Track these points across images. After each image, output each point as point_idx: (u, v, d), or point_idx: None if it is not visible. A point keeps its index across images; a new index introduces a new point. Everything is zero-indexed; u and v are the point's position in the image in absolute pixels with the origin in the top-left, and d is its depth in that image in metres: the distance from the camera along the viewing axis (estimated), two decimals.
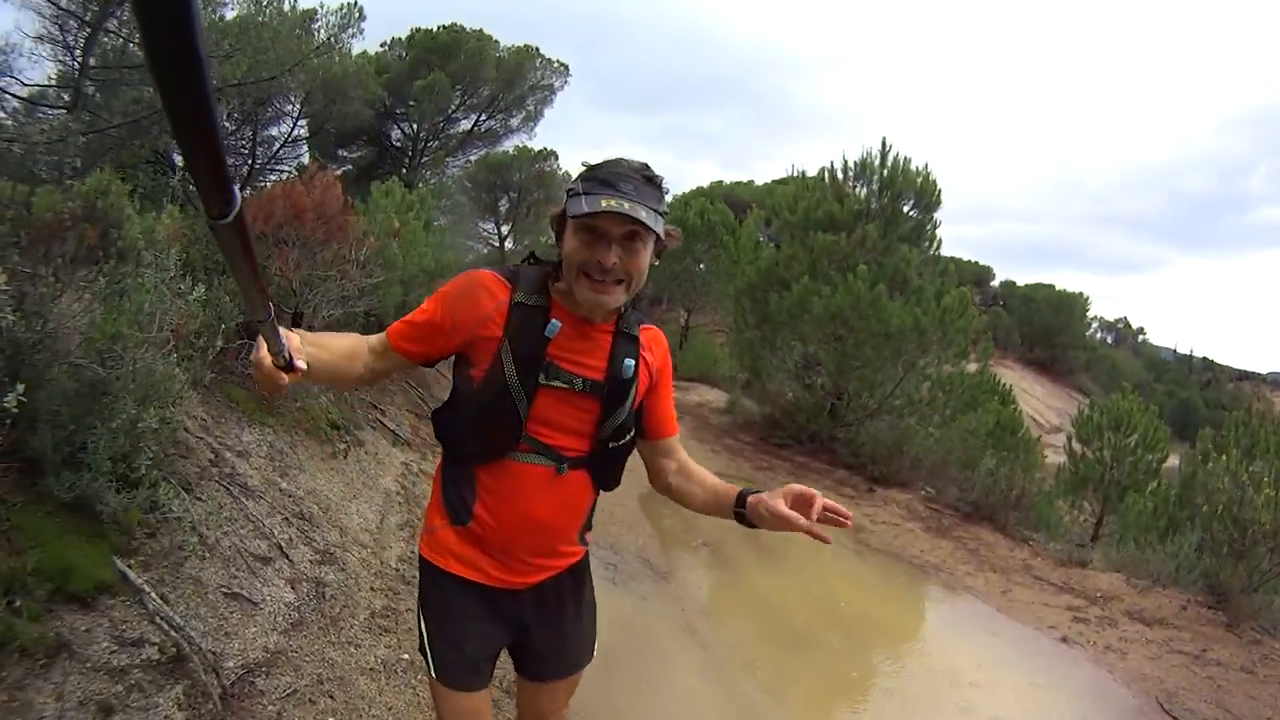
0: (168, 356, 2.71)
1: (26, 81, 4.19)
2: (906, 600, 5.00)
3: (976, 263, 29.75)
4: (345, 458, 5.04)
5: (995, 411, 8.78)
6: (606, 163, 1.25)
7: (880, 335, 8.27)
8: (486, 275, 1.32)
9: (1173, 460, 7.40)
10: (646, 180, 1.24)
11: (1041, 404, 23.37)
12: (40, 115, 4.26)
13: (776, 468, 8.19)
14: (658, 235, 1.24)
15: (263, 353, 1.02)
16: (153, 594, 2.11)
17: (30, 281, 1.96)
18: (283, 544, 3.39)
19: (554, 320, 1.28)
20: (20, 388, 1.77)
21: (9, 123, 3.68)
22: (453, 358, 1.38)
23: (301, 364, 1.05)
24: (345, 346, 1.33)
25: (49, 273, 2.00)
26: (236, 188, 0.54)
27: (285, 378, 1.05)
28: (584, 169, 1.27)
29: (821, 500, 1.24)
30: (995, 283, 33.97)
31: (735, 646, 3.78)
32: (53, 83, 4.60)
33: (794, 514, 1.21)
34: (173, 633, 2.06)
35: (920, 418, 8.49)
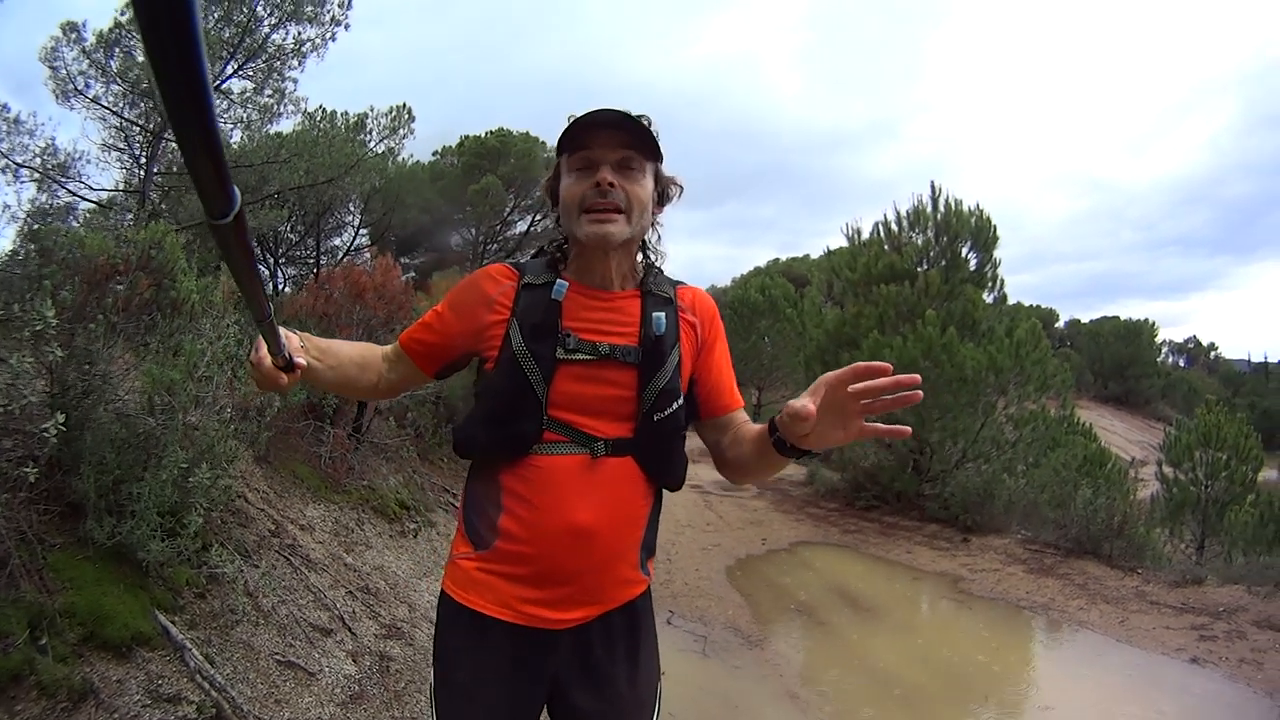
0: (221, 414, 2.65)
1: (94, 186, 4.52)
2: (1019, 644, 4.61)
3: (1039, 306, 29.42)
4: (415, 537, 4.88)
5: (1082, 446, 8.31)
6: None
7: (957, 380, 7.88)
8: (493, 266, 1.25)
9: (1267, 472, 7.15)
10: (628, 118, 1.15)
11: (1123, 439, 21.97)
12: (112, 221, 4.53)
13: (865, 529, 7.83)
14: (658, 168, 1.19)
15: (262, 353, 1.03)
16: (195, 651, 1.92)
17: (81, 323, 1.93)
18: (345, 616, 3.18)
19: (560, 281, 1.16)
20: (60, 416, 1.68)
21: (82, 230, 3.95)
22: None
23: (301, 362, 1.07)
24: (354, 354, 1.28)
25: (100, 314, 1.96)
26: (235, 188, 0.54)
27: (285, 377, 1.06)
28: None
29: (866, 373, 0.98)
30: (1060, 324, 33.26)
31: (840, 710, 3.41)
32: (120, 189, 4.92)
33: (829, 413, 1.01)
34: (214, 693, 1.84)
35: (1006, 461, 7.97)
